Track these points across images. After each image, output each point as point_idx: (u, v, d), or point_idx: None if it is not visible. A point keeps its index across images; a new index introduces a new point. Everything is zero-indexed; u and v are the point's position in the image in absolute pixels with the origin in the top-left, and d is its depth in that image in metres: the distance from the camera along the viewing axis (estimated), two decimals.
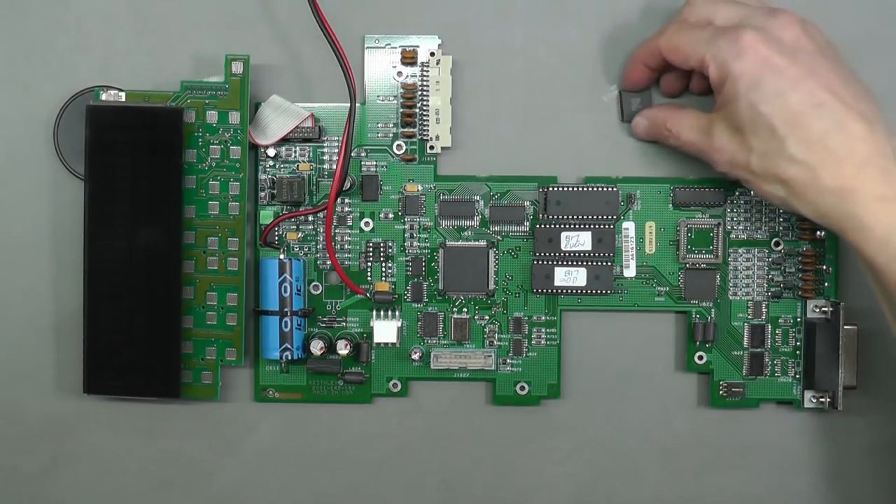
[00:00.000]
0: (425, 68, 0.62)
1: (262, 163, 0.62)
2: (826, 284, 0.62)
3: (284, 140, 0.62)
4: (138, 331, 0.60)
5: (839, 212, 0.54)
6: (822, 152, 0.53)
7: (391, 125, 0.62)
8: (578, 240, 0.61)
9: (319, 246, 0.63)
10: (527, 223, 0.62)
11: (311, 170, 0.62)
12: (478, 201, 0.62)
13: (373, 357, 0.63)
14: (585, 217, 0.61)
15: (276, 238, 0.63)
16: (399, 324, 0.62)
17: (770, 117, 0.54)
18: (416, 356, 0.62)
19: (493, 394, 0.63)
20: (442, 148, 0.62)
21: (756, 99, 0.54)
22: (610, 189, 0.61)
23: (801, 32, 0.56)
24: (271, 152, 0.62)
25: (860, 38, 0.62)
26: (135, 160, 0.60)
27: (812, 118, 0.53)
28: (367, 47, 0.62)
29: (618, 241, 0.62)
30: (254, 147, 0.62)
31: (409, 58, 0.62)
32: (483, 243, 0.62)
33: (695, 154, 0.59)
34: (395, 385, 0.63)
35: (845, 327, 0.60)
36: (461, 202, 0.62)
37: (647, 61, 0.60)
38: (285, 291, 0.61)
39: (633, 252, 0.62)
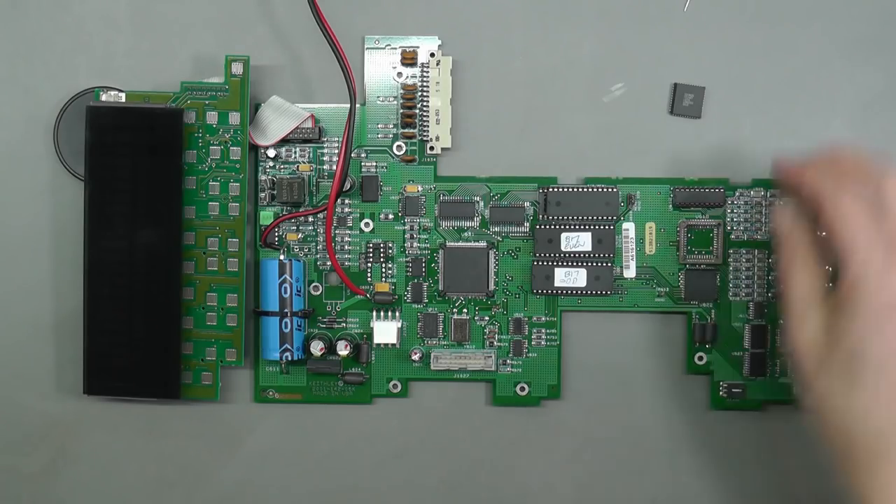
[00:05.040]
0: (425, 69, 0.62)
1: (262, 163, 0.62)
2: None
3: (284, 141, 0.62)
4: (138, 331, 0.60)
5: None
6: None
7: (391, 126, 0.62)
8: (578, 240, 0.61)
9: (319, 247, 0.62)
10: (527, 224, 0.62)
11: (311, 170, 0.62)
12: (478, 202, 0.62)
13: (373, 358, 0.63)
14: (585, 218, 0.61)
15: (276, 239, 0.63)
16: (399, 324, 0.62)
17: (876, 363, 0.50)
18: (416, 357, 0.62)
19: (493, 394, 0.63)
20: (442, 149, 0.62)
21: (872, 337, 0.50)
22: (610, 190, 0.61)
23: None
24: (271, 153, 0.62)
25: (860, 38, 0.62)
26: (135, 161, 0.60)
27: None
28: (367, 48, 0.62)
29: (618, 241, 0.62)
30: (254, 148, 0.62)
31: (409, 58, 0.62)
32: (483, 244, 0.62)
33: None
34: (395, 386, 0.63)
35: None
36: (461, 203, 0.62)
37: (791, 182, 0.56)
38: (285, 292, 0.61)
39: (633, 253, 0.62)
